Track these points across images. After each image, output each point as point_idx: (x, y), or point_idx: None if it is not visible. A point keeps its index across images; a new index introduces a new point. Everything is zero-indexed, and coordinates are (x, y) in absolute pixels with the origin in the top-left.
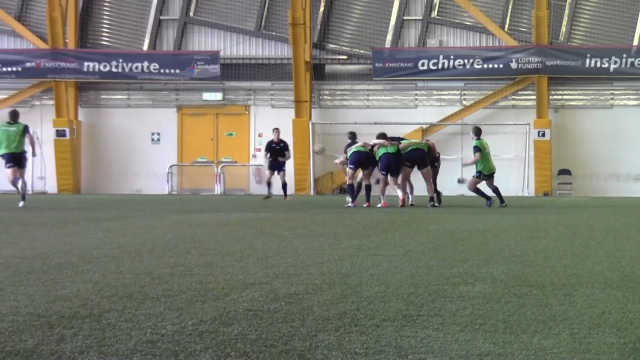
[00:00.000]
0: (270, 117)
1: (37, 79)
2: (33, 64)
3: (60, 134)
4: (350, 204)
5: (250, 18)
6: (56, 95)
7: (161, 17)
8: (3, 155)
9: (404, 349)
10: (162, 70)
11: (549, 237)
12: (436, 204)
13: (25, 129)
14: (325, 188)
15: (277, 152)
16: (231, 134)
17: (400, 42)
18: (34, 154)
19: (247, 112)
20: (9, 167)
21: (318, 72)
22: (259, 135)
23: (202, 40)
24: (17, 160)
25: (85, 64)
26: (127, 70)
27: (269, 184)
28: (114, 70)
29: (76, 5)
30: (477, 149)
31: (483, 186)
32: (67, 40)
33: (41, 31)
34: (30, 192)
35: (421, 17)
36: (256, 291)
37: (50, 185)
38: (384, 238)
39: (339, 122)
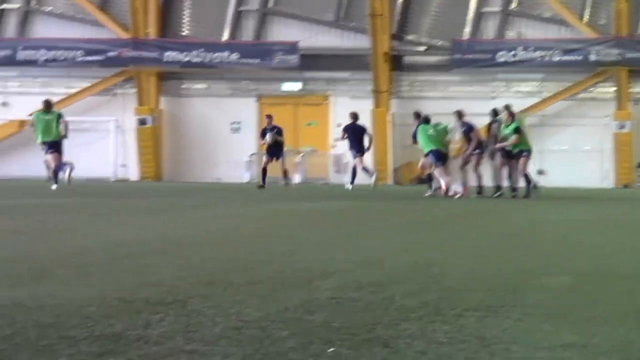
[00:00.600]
0: (350, 107)
1: (119, 67)
2: (115, 53)
3: (142, 122)
4: (430, 193)
5: (330, 9)
6: (138, 84)
7: (241, 8)
8: (43, 143)
9: (487, 339)
10: (242, 60)
11: (631, 228)
12: (516, 195)
13: (60, 116)
14: (403, 178)
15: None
16: (310, 124)
17: (479, 33)
18: (66, 137)
19: (326, 102)
20: (51, 152)
21: (397, 63)
22: (338, 125)
23: (281, 31)
24: (55, 146)
25: (166, 53)
26: (207, 60)
27: (264, 172)
28: (195, 59)
29: None
30: (519, 129)
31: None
32: (148, 30)
33: (123, 21)
34: (112, 180)
35: (500, 9)
36: (339, 279)
37: (133, 173)
38: (463, 228)
39: None
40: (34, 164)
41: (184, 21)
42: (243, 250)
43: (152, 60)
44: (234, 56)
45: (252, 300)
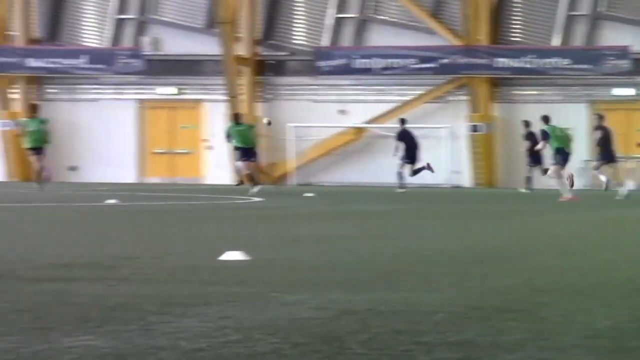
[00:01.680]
0: None
1: (451, 75)
2: (448, 60)
3: (474, 129)
4: None
5: None
6: (470, 91)
7: (571, 13)
8: (238, 149)
9: None
10: (573, 66)
11: None
12: None
13: (253, 128)
14: None
15: None
16: None
17: None
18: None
19: None
20: (243, 160)
21: None
22: None
23: (612, 35)
24: (250, 153)
25: (497, 60)
26: (538, 66)
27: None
28: (526, 66)
29: (490, 2)
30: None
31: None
32: (479, 37)
33: (454, 27)
34: (446, 186)
35: None
36: None
37: (465, 179)
38: None
39: None
40: (371, 170)
41: (514, 27)
42: (585, 257)
43: (483, 67)
44: (565, 62)
45: (600, 308)
